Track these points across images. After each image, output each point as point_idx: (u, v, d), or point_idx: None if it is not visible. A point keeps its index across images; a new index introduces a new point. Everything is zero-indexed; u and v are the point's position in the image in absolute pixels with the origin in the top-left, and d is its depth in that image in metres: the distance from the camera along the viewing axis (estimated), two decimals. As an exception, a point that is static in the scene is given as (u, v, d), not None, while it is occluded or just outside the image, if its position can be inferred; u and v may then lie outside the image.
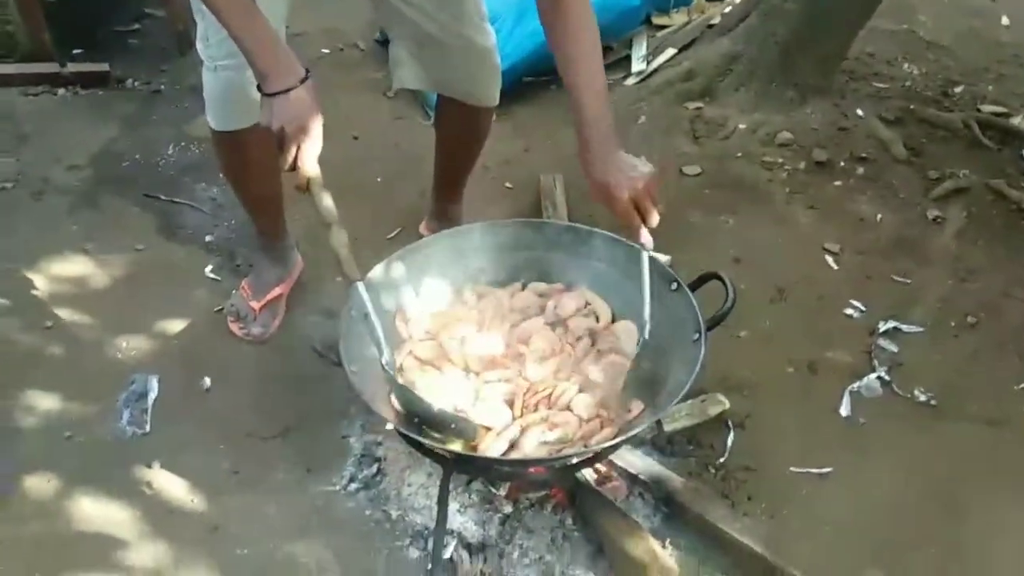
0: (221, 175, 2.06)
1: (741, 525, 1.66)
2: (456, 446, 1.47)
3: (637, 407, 1.56)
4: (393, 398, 1.52)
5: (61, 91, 3.05)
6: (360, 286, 1.49)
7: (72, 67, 3.08)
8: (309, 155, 1.43)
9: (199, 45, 1.75)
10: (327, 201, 1.47)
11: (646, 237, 1.53)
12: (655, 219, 1.53)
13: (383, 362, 1.49)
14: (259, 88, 1.42)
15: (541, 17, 1.58)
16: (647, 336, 1.55)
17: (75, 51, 3.20)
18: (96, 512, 1.72)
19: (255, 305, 2.11)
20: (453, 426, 1.47)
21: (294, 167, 1.44)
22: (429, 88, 2.01)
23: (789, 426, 1.94)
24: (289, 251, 2.23)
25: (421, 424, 1.48)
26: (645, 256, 1.56)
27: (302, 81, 1.42)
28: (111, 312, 2.17)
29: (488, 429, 1.53)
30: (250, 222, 2.20)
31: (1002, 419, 1.96)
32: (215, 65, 1.73)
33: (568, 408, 1.58)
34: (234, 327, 2.11)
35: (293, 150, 1.42)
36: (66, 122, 2.90)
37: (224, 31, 1.45)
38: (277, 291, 2.15)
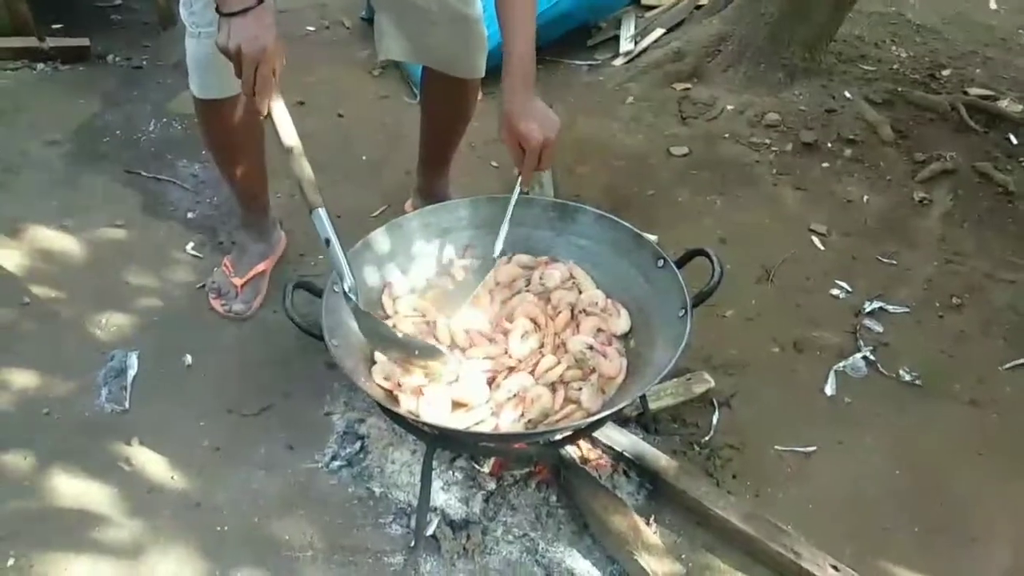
0: (204, 147, 2.02)
1: (725, 502, 1.66)
2: (421, 375, 1.46)
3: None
4: (358, 328, 1.50)
5: (40, 66, 3.00)
6: (322, 211, 1.46)
7: (52, 42, 3.03)
8: (267, 77, 1.40)
9: (183, 12, 1.72)
10: (287, 126, 1.43)
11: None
12: (548, 166, 1.61)
13: (345, 288, 1.47)
14: (217, 9, 1.39)
15: None
16: (496, 254, 1.63)
17: (55, 26, 3.15)
18: (74, 489, 1.70)
19: (237, 282, 2.09)
20: (417, 352, 1.46)
21: (254, 91, 1.41)
22: (413, 60, 1.98)
23: (774, 405, 1.94)
24: (272, 228, 2.20)
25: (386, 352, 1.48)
26: (519, 186, 1.61)
27: (259, 2, 1.39)
28: (90, 289, 2.13)
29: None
30: (233, 198, 2.18)
31: (986, 399, 1.97)
32: (199, 31, 1.71)
33: (554, 385, 1.57)
34: (216, 304, 2.09)
35: (252, 70, 1.39)
36: (45, 97, 2.85)
37: None
38: (260, 268, 2.13)
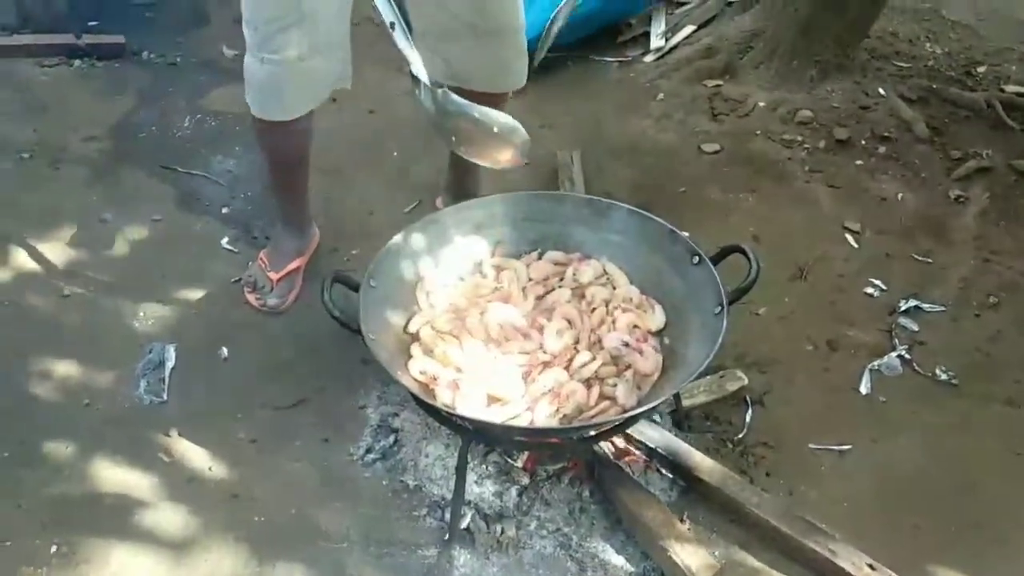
0: (258, 152, 2.06)
1: (759, 500, 1.65)
2: (506, 154, 1.42)
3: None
4: (422, 98, 1.46)
5: (77, 62, 3.04)
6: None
7: (88, 39, 3.07)
8: None
9: (246, 30, 1.74)
10: None
11: None
12: None
13: (412, 71, 1.43)
14: None
15: None
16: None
17: (90, 23, 3.19)
18: (114, 478, 1.73)
19: (273, 276, 2.11)
20: (496, 129, 1.41)
21: None
22: (445, 80, 1.87)
23: (808, 403, 1.93)
24: (308, 224, 2.23)
25: (452, 133, 1.45)
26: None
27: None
28: (128, 282, 2.17)
29: None
30: (269, 194, 2.20)
31: (1023, 399, 1.95)
32: (262, 56, 1.72)
33: (589, 381, 1.57)
34: (251, 298, 2.11)
35: None
36: (82, 93, 2.89)
37: (274, 22, 1.46)
38: (296, 263, 2.15)
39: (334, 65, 1.80)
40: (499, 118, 1.47)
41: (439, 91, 1.47)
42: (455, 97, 1.50)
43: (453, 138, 1.50)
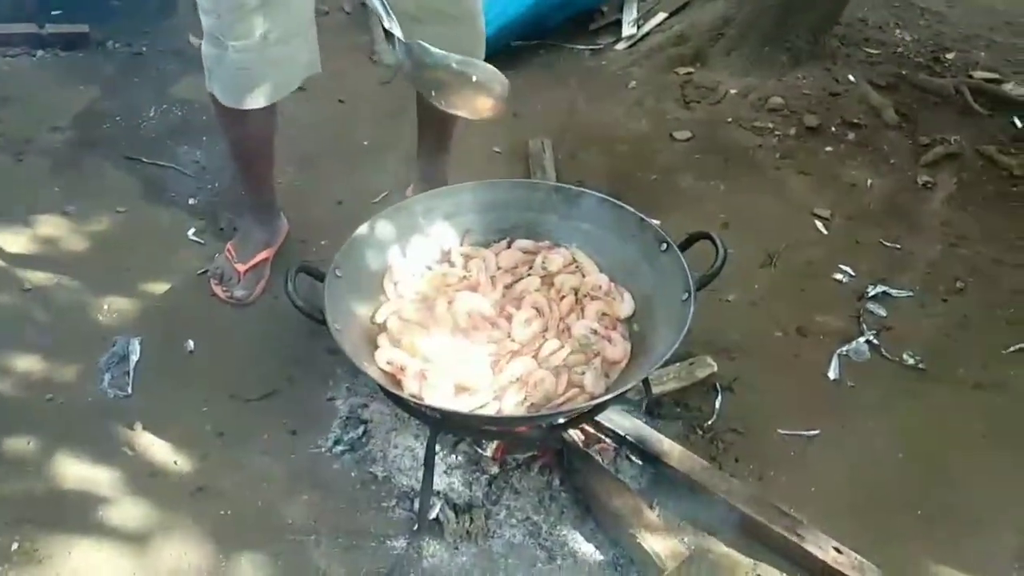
0: (221, 137, 2.03)
1: (728, 486, 1.66)
2: (486, 103, 1.40)
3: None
4: (398, 54, 1.44)
5: (40, 52, 2.99)
6: None
7: (51, 28, 3.02)
8: None
9: (204, 18, 1.70)
10: None
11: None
12: None
13: (386, 27, 1.42)
14: None
15: None
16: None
17: (53, 12, 3.13)
18: (78, 473, 1.70)
19: (240, 268, 2.09)
20: (475, 78, 1.39)
21: None
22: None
23: (777, 389, 1.93)
24: (276, 215, 2.20)
25: (431, 86, 1.43)
26: None
27: None
28: (92, 274, 2.13)
29: None
30: (236, 185, 2.17)
31: (990, 383, 1.97)
32: (227, 45, 1.69)
33: (557, 369, 1.57)
34: (217, 290, 2.09)
35: None
36: (46, 84, 2.84)
37: (237, 10, 1.47)
38: (263, 255, 2.12)
39: (301, 50, 1.79)
40: (478, 66, 1.46)
41: (415, 44, 1.46)
42: (432, 49, 1.47)
43: (433, 92, 1.49)
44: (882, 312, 2.12)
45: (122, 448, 1.75)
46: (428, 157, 2.27)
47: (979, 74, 2.92)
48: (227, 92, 1.79)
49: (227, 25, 1.67)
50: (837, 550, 1.55)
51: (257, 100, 1.78)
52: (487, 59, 1.95)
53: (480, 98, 1.44)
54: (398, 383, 1.54)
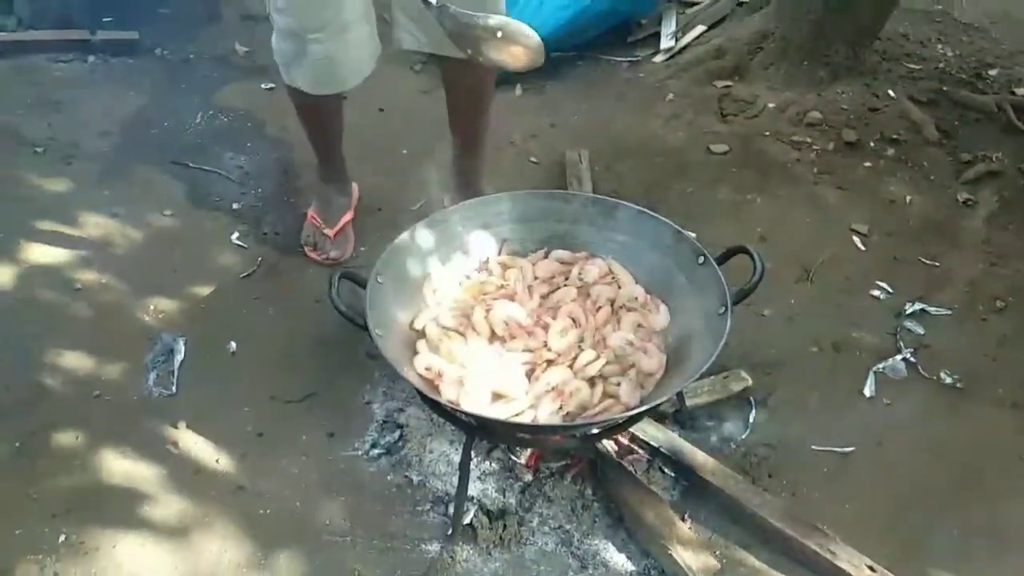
0: (301, 122, 2.17)
1: (761, 500, 1.66)
2: (519, 53, 1.48)
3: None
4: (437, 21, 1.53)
5: (91, 58, 3.08)
6: None
7: (102, 35, 3.11)
8: None
9: (280, 17, 1.82)
10: None
11: None
12: None
13: None
14: None
15: None
16: None
17: (104, 19, 3.22)
18: (123, 469, 1.75)
19: (330, 232, 2.24)
20: (500, 34, 1.48)
21: None
22: (429, 49, 2.00)
23: (812, 405, 1.93)
24: (349, 180, 2.35)
25: (466, 45, 1.53)
26: None
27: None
28: (139, 275, 2.19)
29: None
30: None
31: (1029, 403, 1.95)
32: (307, 38, 1.81)
33: (592, 379, 1.58)
34: (313, 255, 2.24)
35: None
36: (96, 89, 2.92)
37: (313, 5, 1.66)
38: (348, 216, 2.29)
39: (369, 32, 1.91)
40: (503, 21, 1.53)
41: (448, 9, 1.55)
42: (459, 11, 1.55)
43: (469, 50, 1.58)
44: (920, 330, 2.11)
45: (166, 446, 1.80)
46: (463, 163, 2.31)
47: (1022, 91, 2.88)
48: (312, 82, 1.91)
49: (305, 20, 1.79)
50: (871, 568, 1.54)
51: (342, 84, 1.93)
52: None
53: (513, 48, 1.51)
54: (436, 389, 1.57)
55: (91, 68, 3.05)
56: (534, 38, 1.51)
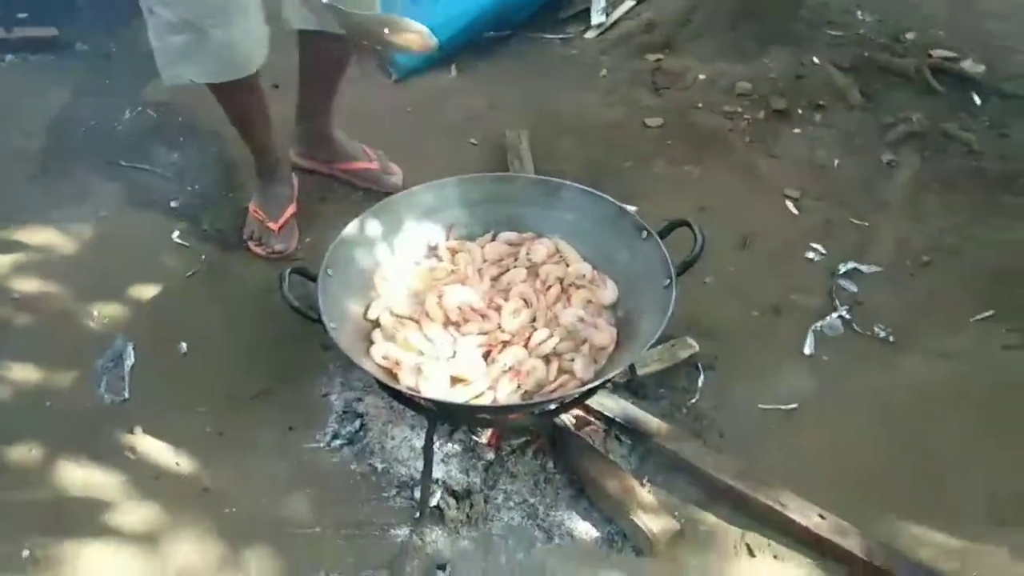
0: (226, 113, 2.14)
1: (714, 460, 1.73)
2: (414, 39, 1.58)
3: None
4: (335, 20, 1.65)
5: (8, 57, 2.98)
6: None
7: (18, 31, 3.01)
8: None
9: (168, 10, 1.81)
10: None
11: None
12: None
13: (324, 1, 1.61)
14: None
15: None
16: None
17: (19, 15, 3.10)
18: (82, 478, 1.73)
19: (273, 226, 2.23)
20: (387, 31, 1.59)
21: None
22: (315, 27, 2.04)
23: (756, 366, 2.01)
24: (289, 171, 2.35)
25: (366, 39, 1.67)
26: None
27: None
28: (80, 280, 2.15)
29: None
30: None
31: (956, 352, 2.06)
32: (207, 28, 1.80)
33: (547, 357, 1.62)
34: (257, 249, 2.23)
35: None
36: (16, 89, 2.83)
37: None
38: (291, 209, 2.29)
39: (263, 18, 1.92)
40: (386, 19, 1.63)
41: (337, 9, 1.63)
42: (348, 12, 1.64)
43: (366, 42, 1.73)
44: (853, 288, 2.21)
45: (124, 452, 1.78)
46: (316, 118, 2.38)
47: (938, 53, 3.00)
48: (213, 71, 1.90)
49: (203, 7, 1.78)
50: (820, 516, 1.63)
51: (245, 68, 1.91)
52: (461, 50, 2.48)
53: (406, 35, 1.60)
54: (395, 377, 1.59)
55: (9, 67, 2.94)
56: (417, 26, 1.59)
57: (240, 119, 2.14)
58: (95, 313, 2.07)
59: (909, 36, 3.11)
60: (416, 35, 1.57)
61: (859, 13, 3.23)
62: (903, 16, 3.25)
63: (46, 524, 1.65)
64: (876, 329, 2.10)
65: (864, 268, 2.26)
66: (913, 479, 1.79)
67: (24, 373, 1.92)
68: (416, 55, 1.69)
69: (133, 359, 1.96)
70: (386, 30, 1.57)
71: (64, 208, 2.35)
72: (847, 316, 2.12)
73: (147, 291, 2.14)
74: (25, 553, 1.60)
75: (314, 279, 1.62)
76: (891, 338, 2.08)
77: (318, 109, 2.36)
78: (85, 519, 1.67)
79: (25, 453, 1.77)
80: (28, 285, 2.13)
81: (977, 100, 2.83)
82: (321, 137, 2.41)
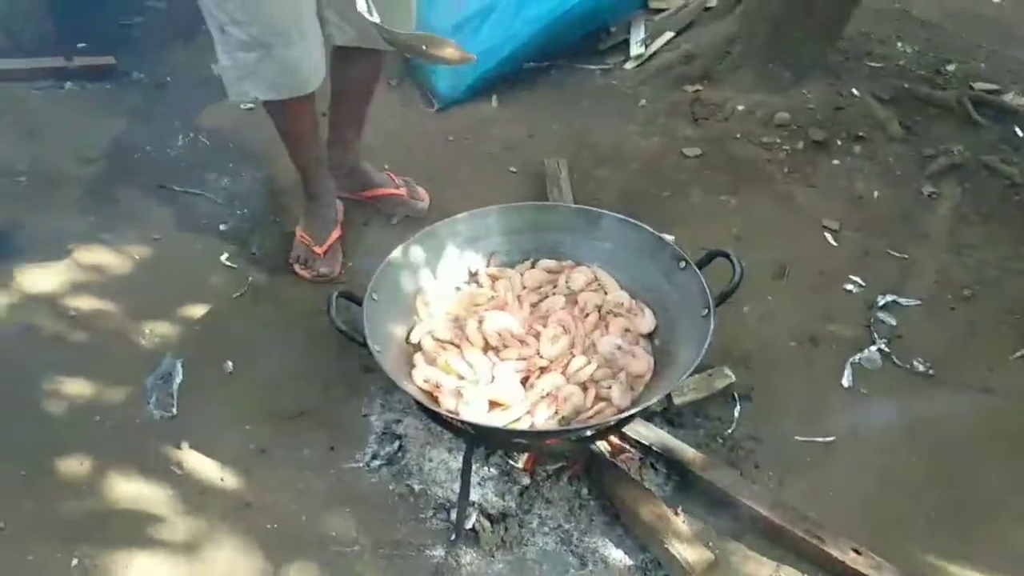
0: (280, 136, 2.23)
1: (750, 491, 1.74)
2: (450, 52, 1.64)
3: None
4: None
5: (68, 84, 3.09)
6: None
7: (78, 60, 3.12)
8: None
9: (238, 29, 1.87)
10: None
11: None
12: None
13: (369, 19, 1.67)
14: None
15: None
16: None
17: (79, 44, 3.23)
18: (130, 492, 1.79)
19: (319, 250, 2.29)
20: (425, 47, 1.66)
21: None
22: (356, 43, 2.11)
23: (793, 397, 2.01)
24: (333, 195, 2.39)
25: (410, 52, 1.74)
26: None
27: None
28: (133, 300, 2.22)
29: None
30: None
31: (997, 387, 2.04)
32: (273, 45, 1.88)
33: (585, 384, 1.65)
34: (303, 272, 2.29)
35: None
36: (75, 115, 2.94)
37: (274, 23, 1.78)
38: (336, 233, 2.34)
39: (319, 32, 1.98)
40: (425, 37, 1.69)
41: (383, 27, 1.69)
42: (391, 30, 1.70)
43: (407, 55, 1.84)
44: (892, 321, 2.20)
45: (171, 467, 1.84)
46: (346, 144, 2.43)
47: (979, 85, 2.99)
48: (277, 88, 1.97)
49: (271, 27, 1.86)
50: (856, 551, 1.62)
51: (304, 87, 1.99)
52: (502, 80, 2.62)
53: (442, 52, 1.67)
54: (435, 400, 1.63)
55: (68, 94, 3.06)
56: (453, 42, 1.66)
57: (293, 136, 2.21)
58: (146, 331, 2.14)
59: (950, 68, 3.11)
60: (453, 48, 1.65)
61: (899, 44, 3.24)
62: (944, 48, 3.24)
63: (95, 534, 1.70)
64: (915, 363, 2.09)
65: (903, 301, 2.25)
66: (951, 516, 1.77)
67: (77, 388, 1.99)
68: (454, 66, 1.80)
69: (181, 376, 2.02)
70: (424, 46, 1.66)
71: (118, 230, 2.43)
72: (886, 349, 2.12)
73: (196, 311, 2.21)
74: (75, 562, 1.65)
75: (359, 303, 1.67)
76: (931, 372, 2.07)
77: (348, 130, 2.41)
78: (132, 531, 1.72)
79: (76, 466, 1.83)
80: (83, 303, 2.20)
81: (1019, 133, 2.81)
82: (349, 170, 2.46)
